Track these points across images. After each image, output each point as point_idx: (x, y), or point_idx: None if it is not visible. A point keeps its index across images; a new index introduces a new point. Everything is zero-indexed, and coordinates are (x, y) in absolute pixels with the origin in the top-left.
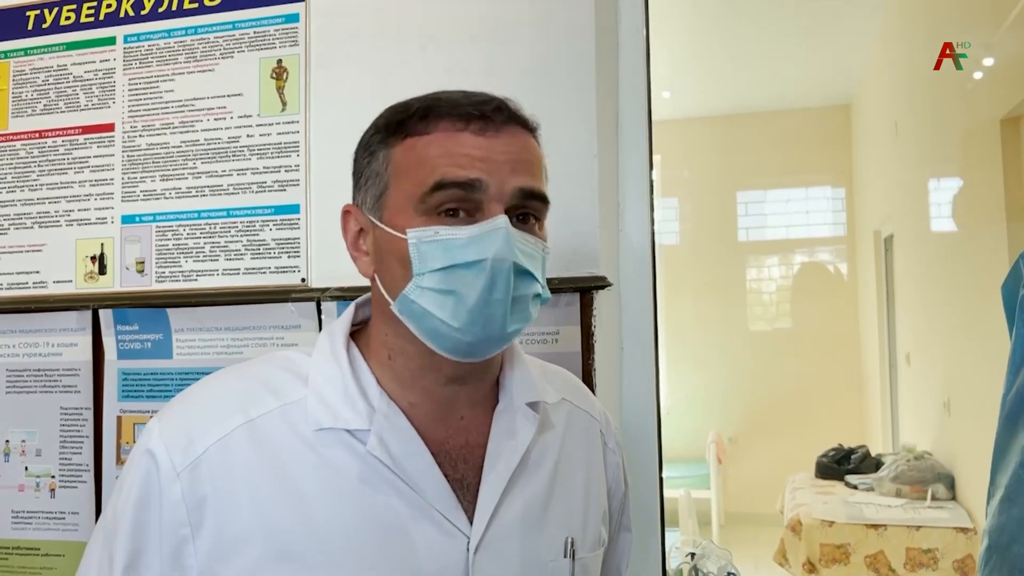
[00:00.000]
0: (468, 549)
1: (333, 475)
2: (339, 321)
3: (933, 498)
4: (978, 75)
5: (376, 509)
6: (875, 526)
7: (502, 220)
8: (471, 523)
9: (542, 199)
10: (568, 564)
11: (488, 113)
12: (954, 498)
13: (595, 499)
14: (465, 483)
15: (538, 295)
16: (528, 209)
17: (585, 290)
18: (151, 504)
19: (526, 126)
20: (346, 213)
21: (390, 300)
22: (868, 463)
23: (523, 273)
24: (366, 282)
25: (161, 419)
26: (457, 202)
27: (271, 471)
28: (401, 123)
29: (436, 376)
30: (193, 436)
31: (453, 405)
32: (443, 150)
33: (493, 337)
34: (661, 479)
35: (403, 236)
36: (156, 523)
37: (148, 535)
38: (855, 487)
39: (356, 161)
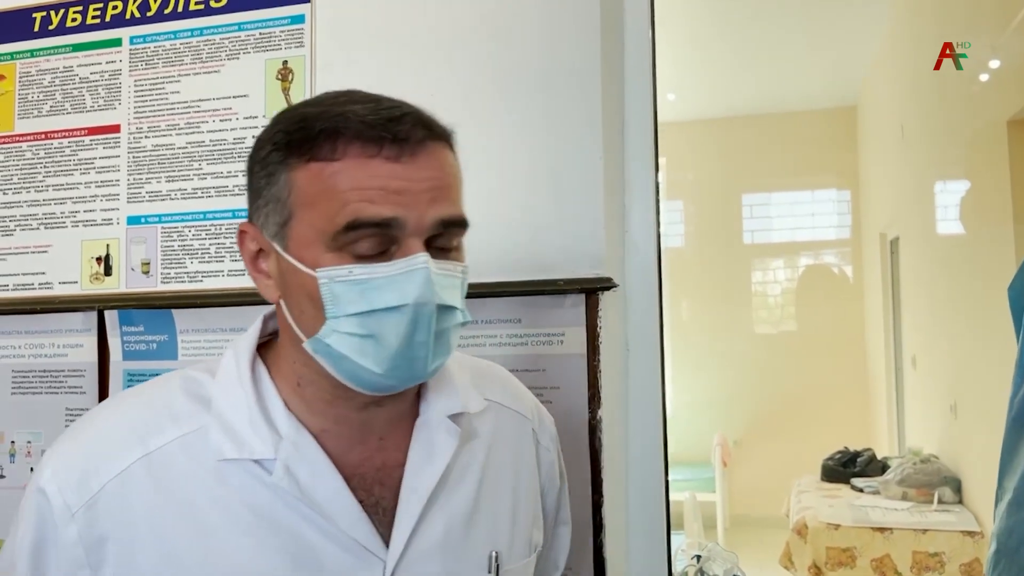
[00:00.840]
0: (384, 574)
1: (239, 507)
2: (245, 337)
3: (940, 501)
4: (984, 77)
5: (286, 541)
6: (881, 529)
7: (422, 259)
8: (388, 547)
9: (463, 225)
10: None
11: (403, 134)
12: (960, 501)
13: (525, 505)
14: (382, 507)
15: (461, 323)
16: (448, 236)
17: (591, 291)
18: (47, 547)
19: (442, 137)
20: (242, 233)
21: (301, 336)
22: (874, 466)
23: (445, 309)
24: None
25: (54, 454)
26: (372, 239)
27: (174, 506)
28: (303, 143)
29: (350, 404)
30: (88, 473)
31: (369, 427)
32: (354, 182)
33: (416, 377)
34: (667, 482)
35: (311, 273)
36: (53, 566)
37: None
38: (861, 490)
39: (251, 176)
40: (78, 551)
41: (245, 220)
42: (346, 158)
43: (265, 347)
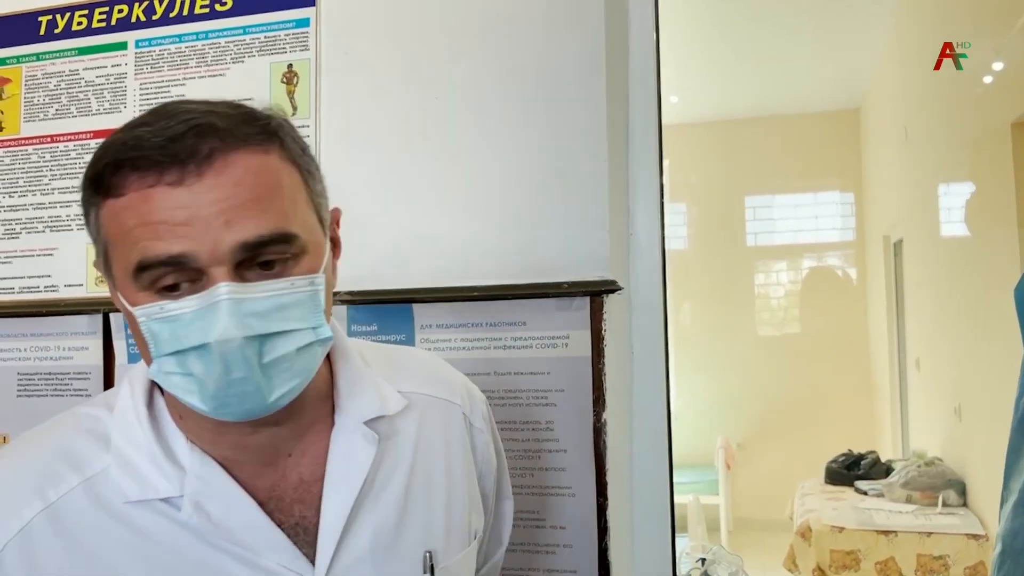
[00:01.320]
0: None
1: (153, 550)
2: (139, 367)
3: (944, 504)
4: (988, 79)
5: None
6: (885, 532)
7: (221, 291)
8: (315, 565)
9: (282, 240)
10: None
11: (183, 155)
12: (965, 504)
13: (460, 495)
14: (302, 526)
15: (309, 343)
16: (267, 256)
17: (595, 294)
18: None
19: (244, 142)
20: (97, 265)
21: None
22: (878, 469)
23: (269, 336)
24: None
25: None
26: (173, 275)
27: (82, 558)
28: (97, 180)
29: (239, 428)
30: None
31: (274, 446)
32: (138, 218)
33: (256, 411)
34: (672, 484)
35: (133, 312)
36: None
37: None
38: (865, 493)
39: None
40: None
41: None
42: (128, 192)
43: None
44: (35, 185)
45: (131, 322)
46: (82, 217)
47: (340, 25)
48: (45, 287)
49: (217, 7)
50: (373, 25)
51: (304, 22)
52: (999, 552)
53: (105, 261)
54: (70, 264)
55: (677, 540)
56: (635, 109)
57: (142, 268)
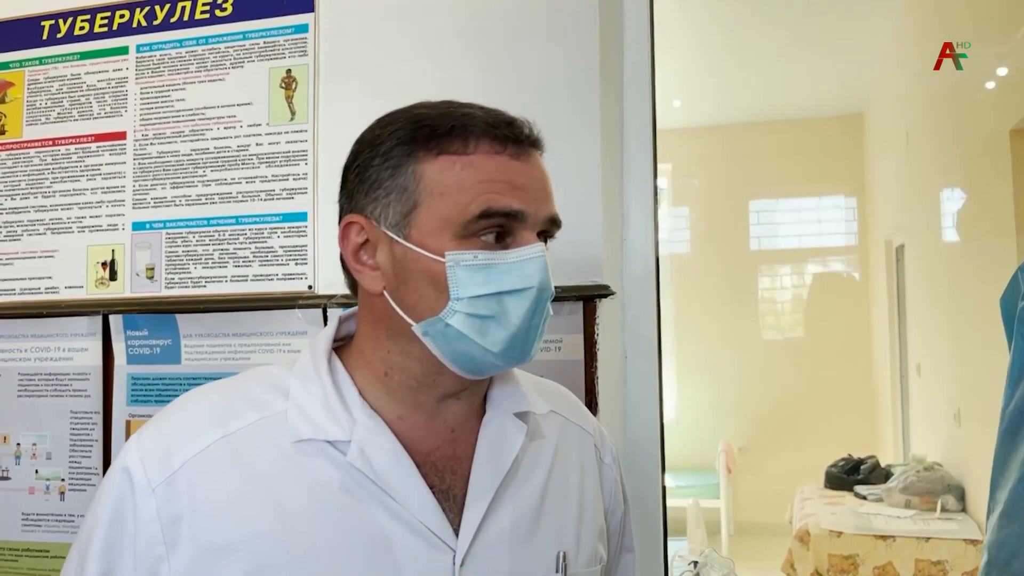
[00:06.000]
0: (455, 563)
1: (314, 486)
2: (321, 336)
3: (943, 509)
4: (990, 85)
5: (358, 521)
6: (884, 537)
7: (539, 248)
8: (457, 536)
9: (559, 224)
10: None
11: (520, 136)
12: (964, 510)
13: (590, 514)
14: (452, 494)
15: (552, 314)
16: (549, 233)
17: (588, 298)
18: (125, 522)
19: (540, 145)
20: (349, 224)
21: (410, 320)
22: (877, 474)
23: (550, 296)
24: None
25: (140, 436)
26: (495, 229)
27: (250, 484)
28: (432, 139)
29: (433, 392)
30: (170, 451)
31: (443, 417)
32: (485, 175)
33: (522, 358)
34: (664, 488)
35: (438, 258)
36: (130, 541)
37: (121, 555)
38: (864, 498)
39: (367, 170)
40: (154, 527)
41: (352, 214)
42: (477, 153)
43: (339, 348)
44: (37, 188)
45: (421, 269)
46: (84, 219)
47: (338, 31)
48: (46, 288)
49: (217, 13)
50: (371, 31)
51: (303, 28)
52: (985, 562)
53: (406, 211)
54: (71, 266)
55: (676, 544)
56: (629, 115)
57: (482, 216)
